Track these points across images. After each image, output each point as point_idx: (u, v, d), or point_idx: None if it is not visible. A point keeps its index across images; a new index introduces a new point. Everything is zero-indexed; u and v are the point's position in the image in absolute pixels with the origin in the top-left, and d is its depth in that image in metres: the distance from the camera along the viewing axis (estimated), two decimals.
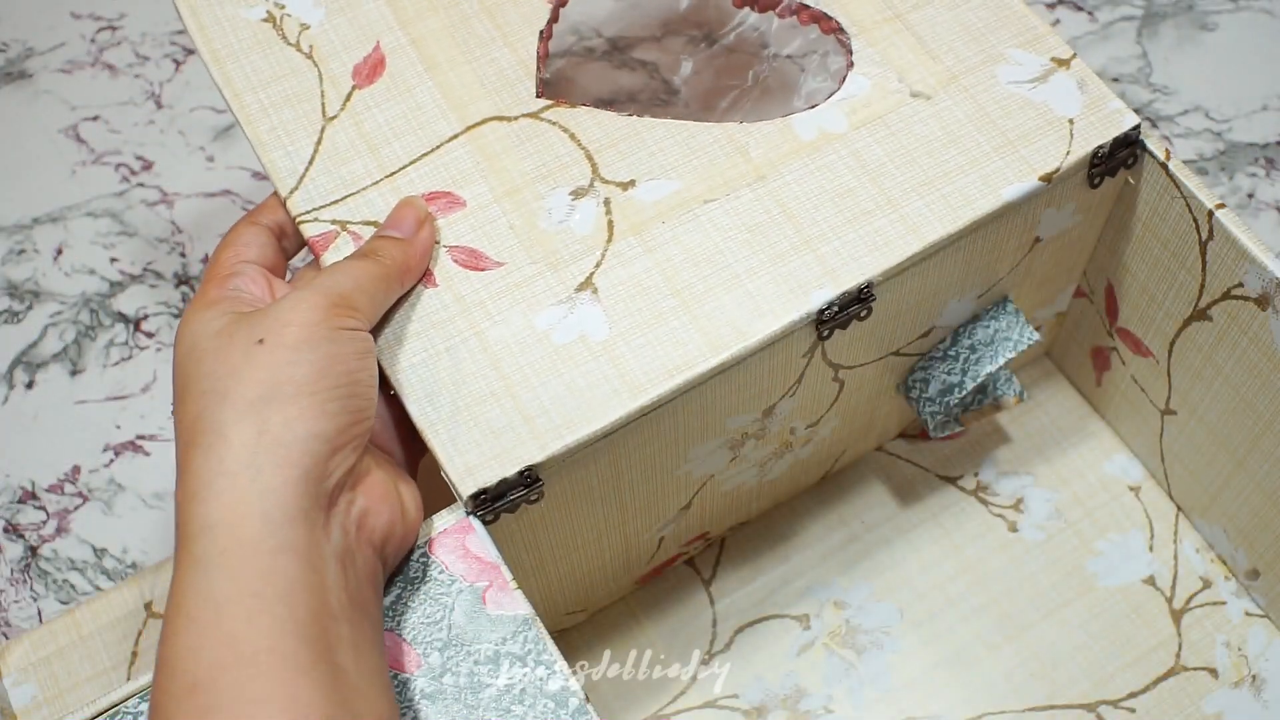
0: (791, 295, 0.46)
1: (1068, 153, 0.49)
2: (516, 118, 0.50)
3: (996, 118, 0.50)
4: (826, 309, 0.46)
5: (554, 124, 0.50)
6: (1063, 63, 0.51)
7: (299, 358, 0.39)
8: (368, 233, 0.48)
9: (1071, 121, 0.50)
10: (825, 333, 0.48)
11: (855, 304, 0.47)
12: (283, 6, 0.52)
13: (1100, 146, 0.49)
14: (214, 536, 0.37)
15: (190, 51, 0.83)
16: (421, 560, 0.44)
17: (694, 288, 0.46)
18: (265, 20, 0.52)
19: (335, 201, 0.48)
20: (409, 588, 0.43)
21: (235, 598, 0.36)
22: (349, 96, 0.50)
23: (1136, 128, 0.50)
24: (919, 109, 0.50)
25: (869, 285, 0.47)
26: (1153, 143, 0.52)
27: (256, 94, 0.50)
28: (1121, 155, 0.51)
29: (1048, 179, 0.49)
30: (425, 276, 0.47)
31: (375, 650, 0.39)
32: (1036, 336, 0.56)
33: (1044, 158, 0.49)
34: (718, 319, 0.46)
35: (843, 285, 0.46)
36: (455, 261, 0.47)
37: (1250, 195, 0.73)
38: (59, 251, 0.75)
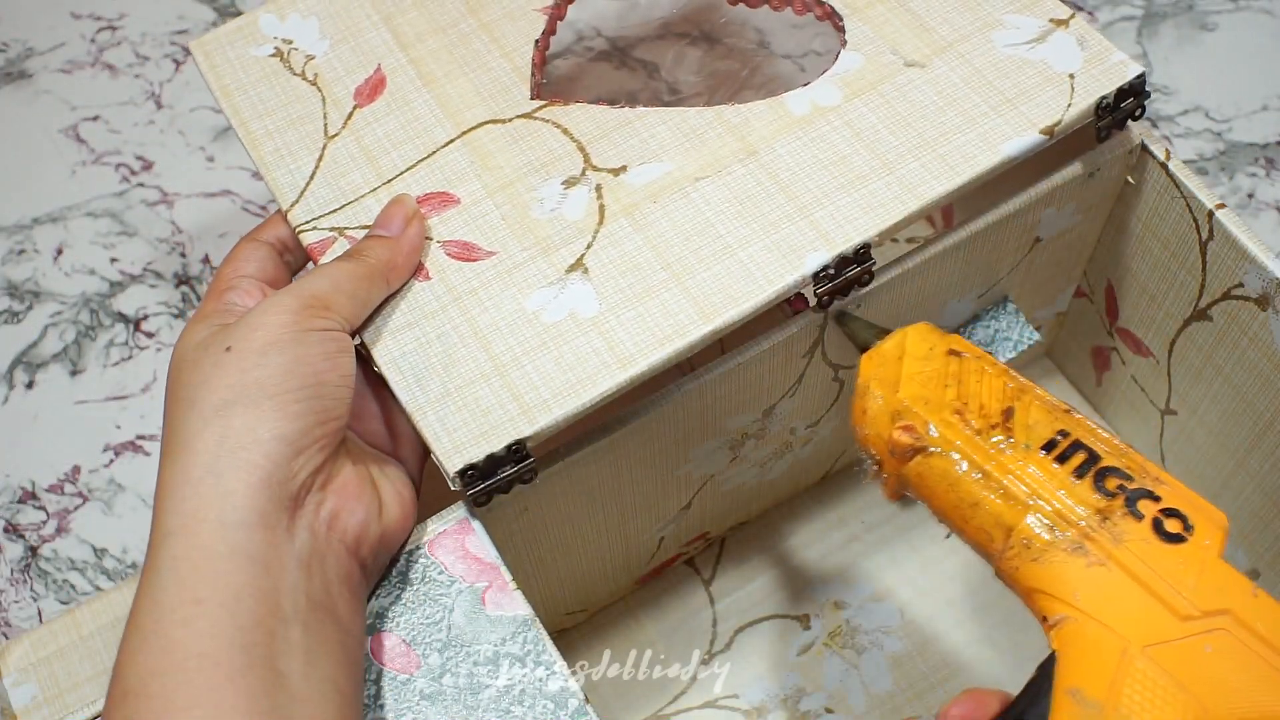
0: (785, 261, 0.46)
1: (1069, 105, 0.48)
2: (511, 119, 0.50)
3: (993, 79, 0.49)
4: (821, 272, 0.46)
5: (547, 121, 0.50)
6: (1061, 22, 0.51)
7: (265, 361, 0.39)
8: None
9: (1072, 76, 0.49)
10: (825, 299, 0.47)
11: (853, 266, 0.47)
12: (290, 41, 0.53)
13: (1104, 97, 0.49)
14: (172, 544, 0.37)
15: (190, 52, 0.83)
16: (421, 561, 0.44)
17: (685, 260, 0.46)
18: (273, 55, 0.53)
19: (334, 210, 0.48)
20: (409, 588, 0.43)
21: (178, 604, 0.36)
22: (350, 115, 0.51)
23: (1141, 76, 0.49)
24: (913, 77, 0.50)
25: (865, 247, 0.46)
26: (1153, 143, 0.52)
27: (262, 120, 0.51)
28: (1127, 105, 0.50)
29: (1049, 132, 0.48)
30: (418, 270, 0.47)
31: (336, 655, 0.38)
32: (1036, 336, 0.56)
33: (1044, 112, 0.48)
34: (710, 288, 0.45)
35: (837, 248, 0.46)
36: (448, 255, 0.47)
37: (1250, 195, 0.73)
38: (59, 251, 0.75)
